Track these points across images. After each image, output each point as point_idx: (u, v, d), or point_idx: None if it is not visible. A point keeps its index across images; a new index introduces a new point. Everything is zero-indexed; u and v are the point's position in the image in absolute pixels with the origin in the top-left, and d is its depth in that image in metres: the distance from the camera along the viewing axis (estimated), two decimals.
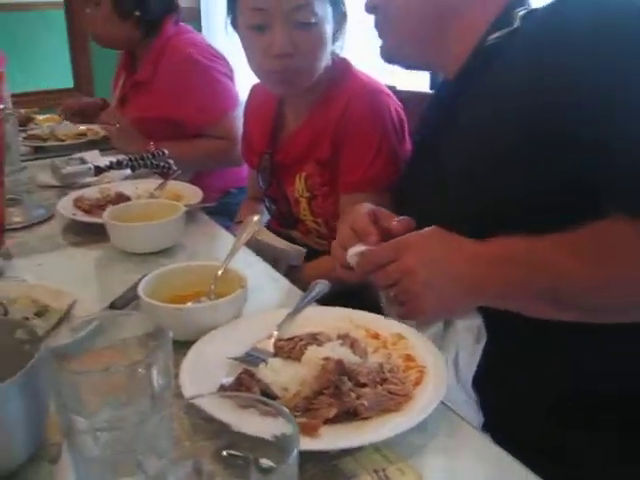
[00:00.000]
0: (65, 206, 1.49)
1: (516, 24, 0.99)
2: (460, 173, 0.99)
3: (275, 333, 0.91)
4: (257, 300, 1.04)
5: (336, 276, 1.01)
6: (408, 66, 1.19)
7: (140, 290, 0.96)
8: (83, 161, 1.78)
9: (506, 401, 0.84)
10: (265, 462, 0.54)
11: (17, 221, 1.45)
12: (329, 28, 1.41)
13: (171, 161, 1.72)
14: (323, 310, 0.99)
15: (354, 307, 0.98)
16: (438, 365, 0.82)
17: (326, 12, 1.39)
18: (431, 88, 1.97)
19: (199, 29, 3.25)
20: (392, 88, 1.52)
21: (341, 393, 0.75)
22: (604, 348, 0.90)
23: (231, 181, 2.29)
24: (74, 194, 1.56)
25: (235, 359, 0.85)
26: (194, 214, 1.47)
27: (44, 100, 3.74)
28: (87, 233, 1.40)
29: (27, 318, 0.93)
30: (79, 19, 4.07)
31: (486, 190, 0.94)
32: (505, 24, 1.00)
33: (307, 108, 1.51)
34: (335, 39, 1.46)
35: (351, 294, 1.09)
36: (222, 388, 0.77)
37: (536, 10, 0.99)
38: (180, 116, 2.12)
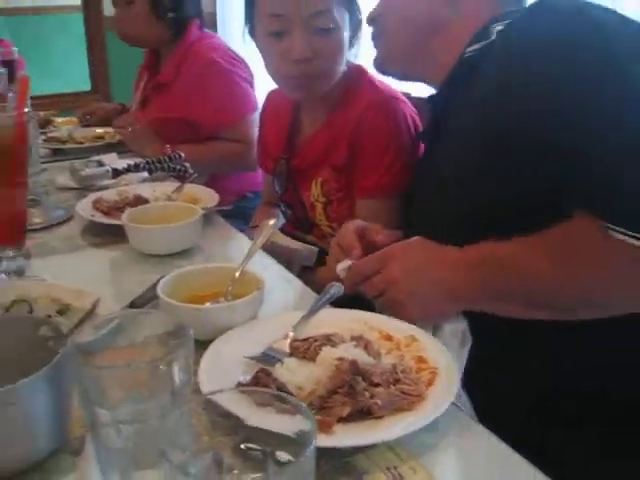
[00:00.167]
0: (84, 208, 1.51)
1: (492, 37, 1.02)
2: (453, 178, 1.03)
3: (291, 334, 0.92)
4: (271, 301, 1.05)
5: None
6: (400, 77, 1.23)
7: (159, 290, 0.97)
8: (101, 164, 1.80)
9: (489, 402, 0.86)
10: (282, 455, 0.55)
11: (37, 222, 1.47)
12: (346, 34, 1.43)
13: (187, 164, 1.74)
14: (337, 312, 1.01)
15: (367, 310, 1.00)
16: (450, 367, 0.84)
17: (343, 18, 1.41)
18: None
19: None
20: (407, 95, 1.54)
21: (355, 392, 0.76)
22: (583, 345, 0.92)
23: (247, 185, 2.31)
24: (93, 196, 1.58)
25: (252, 358, 0.87)
26: (210, 217, 1.48)
27: (62, 102, 3.80)
28: (105, 234, 1.41)
29: (50, 316, 0.95)
30: (96, 22, 4.13)
31: (476, 195, 0.96)
32: (484, 37, 1.03)
33: (324, 113, 1.52)
34: (351, 45, 1.48)
35: (364, 298, 1.11)
36: (240, 385, 0.79)
37: (512, 23, 1.01)
38: (196, 116, 2.14)
